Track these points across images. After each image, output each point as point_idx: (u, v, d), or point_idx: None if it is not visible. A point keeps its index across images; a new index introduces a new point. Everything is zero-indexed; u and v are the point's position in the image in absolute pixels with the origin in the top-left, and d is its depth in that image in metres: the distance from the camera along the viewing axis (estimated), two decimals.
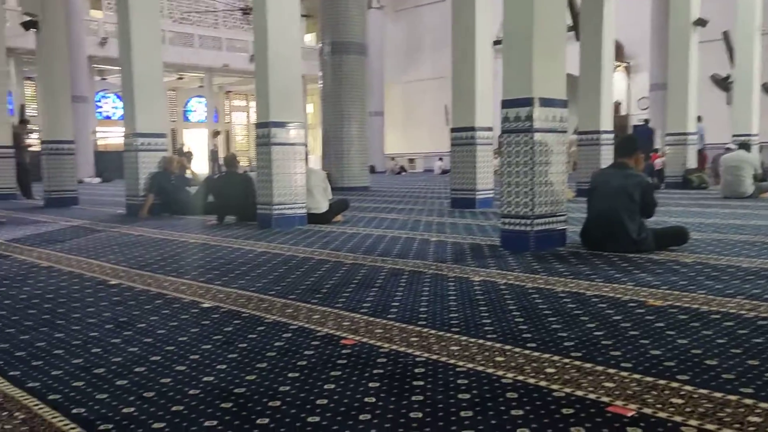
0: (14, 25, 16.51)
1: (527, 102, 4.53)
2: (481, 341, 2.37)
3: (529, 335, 2.43)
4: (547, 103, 4.58)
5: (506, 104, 4.68)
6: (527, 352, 2.23)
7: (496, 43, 9.91)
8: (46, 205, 9.63)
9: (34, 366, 2.14)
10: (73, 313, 2.89)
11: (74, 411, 1.75)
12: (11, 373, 2.06)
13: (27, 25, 9.70)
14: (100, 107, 28.66)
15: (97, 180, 20.08)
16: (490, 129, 8.10)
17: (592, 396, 1.81)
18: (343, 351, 2.28)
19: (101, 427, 1.64)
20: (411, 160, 26.94)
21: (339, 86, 12.38)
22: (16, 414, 1.73)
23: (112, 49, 19.81)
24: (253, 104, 32.29)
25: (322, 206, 6.58)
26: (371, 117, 17.22)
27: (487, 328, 2.55)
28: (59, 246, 5.18)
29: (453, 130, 8.19)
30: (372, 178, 14.28)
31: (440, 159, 22.73)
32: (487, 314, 2.76)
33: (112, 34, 21.39)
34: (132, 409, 1.76)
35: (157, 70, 8.02)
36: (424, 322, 2.64)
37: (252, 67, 22.87)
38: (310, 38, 29.42)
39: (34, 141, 13.17)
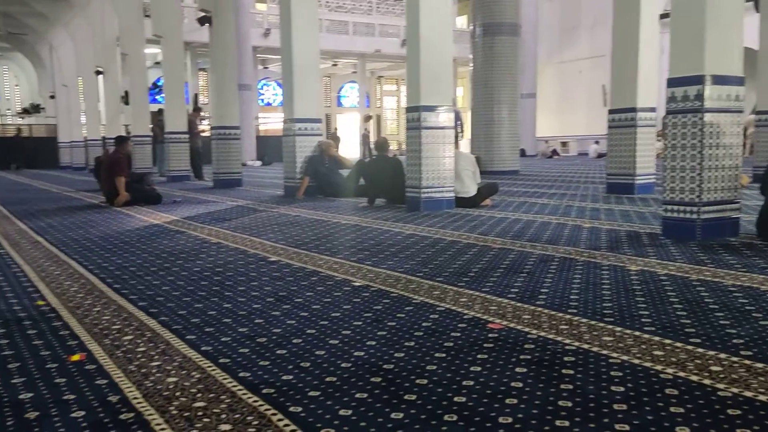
0: (190, 21, 18.10)
1: (697, 80, 4.17)
2: (637, 333, 2.26)
3: (692, 330, 2.27)
4: (720, 80, 4.18)
5: (673, 83, 4.34)
6: (690, 347, 2.09)
7: (663, 16, 9.20)
8: (214, 186, 10.51)
9: (207, 332, 2.37)
10: (239, 286, 3.14)
11: (241, 374, 1.92)
12: (188, 337, 2.30)
13: (202, 21, 10.58)
14: (262, 94, 30.61)
15: (258, 163, 21.49)
16: (653, 110, 7.57)
17: (762, 398, 1.66)
18: (490, 335, 2.27)
19: (264, 391, 1.78)
20: (564, 144, 25.90)
21: (490, 68, 12.18)
22: (193, 373, 1.93)
23: (274, 39, 21.05)
24: (403, 89, 32.78)
25: (471, 190, 6.55)
26: (523, 99, 16.74)
27: (644, 319, 2.42)
28: (226, 224, 5.65)
29: (611, 111, 7.76)
30: (522, 162, 13.95)
31: (596, 142, 21.63)
32: (644, 305, 2.62)
33: (275, 25, 22.70)
34: (290, 377, 1.89)
35: (314, 58, 8.41)
36: (575, 310, 2.56)
37: (403, 52, 23.10)
38: (461, 21, 29.18)
39: (205, 127, 14.36)
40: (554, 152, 23.38)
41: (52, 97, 24.86)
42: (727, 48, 4.26)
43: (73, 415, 1.63)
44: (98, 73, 17.54)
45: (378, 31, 26.55)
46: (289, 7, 8.04)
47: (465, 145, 13.19)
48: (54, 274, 3.50)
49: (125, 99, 15.77)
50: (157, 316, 2.59)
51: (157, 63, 22.17)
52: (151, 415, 1.62)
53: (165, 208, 7.19)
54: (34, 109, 29.96)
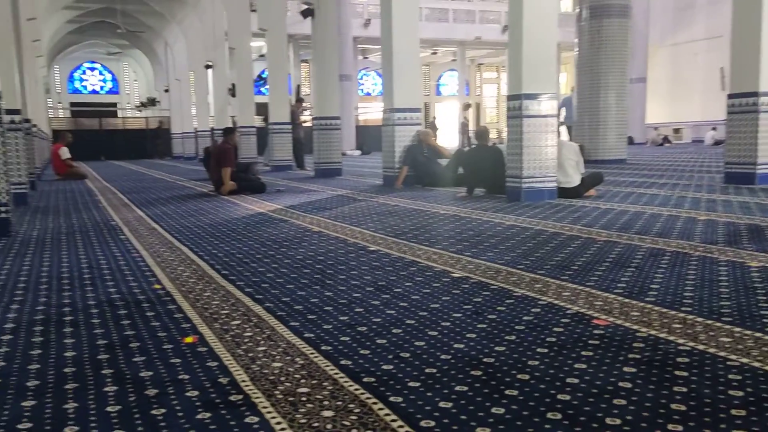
0: (293, 14, 18.59)
1: None
2: (758, 334, 2.11)
3: None
4: None
5: None
6: None
7: None
8: (315, 176, 10.78)
9: (309, 319, 2.43)
10: (340, 275, 3.20)
11: (342, 362, 1.96)
12: (291, 324, 2.37)
13: (305, 14, 10.84)
14: (362, 84, 31.01)
15: (357, 152, 21.83)
16: None
17: None
18: (595, 331, 2.19)
19: (365, 380, 1.81)
20: (676, 130, 24.47)
21: (597, 53, 11.67)
22: (297, 359, 1.99)
23: (374, 29, 21.24)
24: (503, 76, 32.16)
25: (574, 180, 6.33)
26: (632, 84, 15.91)
27: (765, 320, 2.25)
28: (327, 213, 5.78)
29: (731, 96, 7.23)
30: (630, 150, 13.33)
31: (713, 128, 20.27)
32: (766, 305, 2.43)
33: (375, 15, 22.90)
34: (390, 367, 1.91)
35: (414, 47, 8.40)
36: (689, 309, 2.42)
37: (504, 39, 22.65)
38: (566, 3, 28.16)
39: (307, 118, 14.73)
40: (665, 139, 22.17)
41: (167, 90, 26.43)
42: None
43: (188, 394, 1.73)
44: (208, 67, 18.43)
45: (478, 18, 26.15)
46: None
47: (566, 133, 12.74)
48: (168, 259, 3.72)
49: (232, 91, 16.47)
50: (263, 302, 2.69)
51: (262, 56, 23.01)
52: (258, 398, 1.69)
53: (269, 196, 7.46)
54: (150, 102, 31.97)
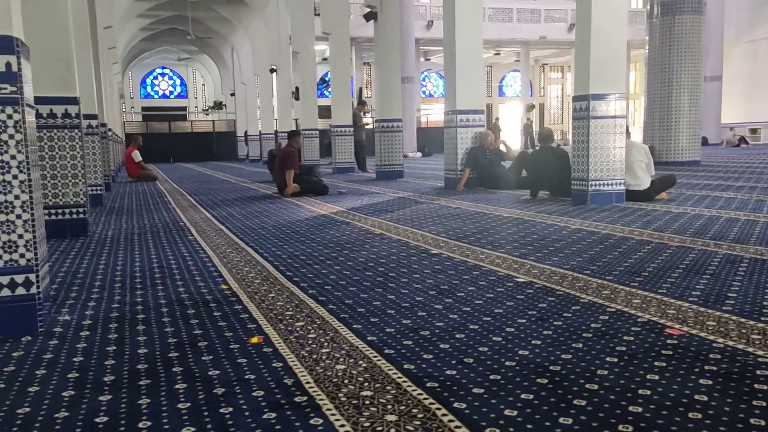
0: (356, 17, 18.78)
1: None
2: None
3: None
4: None
5: None
6: None
7: None
8: (377, 178, 10.82)
9: (372, 322, 2.44)
10: (402, 278, 3.20)
11: (405, 366, 1.95)
12: (354, 326, 2.38)
13: (368, 17, 10.91)
14: (424, 86, 30.98)
15: (419, 154, 21.80)
16: None
17: None
18: (668, 341, 2.11)
19: (428, 384, 1.80)
20: (754, 131, 23.33)
21: (668, 51, 11.25)
22: (360, 362, 1.99)
23: (437, 30, 21.19)
24: (569, 76, 31.50)
25: (644, 183, 6.13)
26: (706, 83, 15.27)
27: None
28: (388, 215, 5.78)
29: None
30: (704, 151, 12.80)
31: None
32: None
33: (437, 17, 22.84)
34: (454, 372, 1.89)
35: (477, 48, 8.32)
36: None
37: (570, 37, 22.17)
38: (636, 0, 27.33)
39: (369, 120, 14.82)
40: (742, 140, 21.18)
41: (233, 94, 27.15)
42: None
43: (254, 394, 1.76)
44: (272, 70, 18.83)
45: (543, 17, 25.69)
46: None
47: (637, 132, 12.32)
48: (234, 260, 3.81)
49: (296, 94, 16.75)
50: (326, 304, 2.71)
51: (325, 59, 23.33)
52: (322, 399, 1.70)
53: (331, 199, 7.54)
54: (217, 106, 32.93)
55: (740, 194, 6.38)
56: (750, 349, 2.00)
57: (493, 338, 2.19)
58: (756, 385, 1.72)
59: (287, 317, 2.52)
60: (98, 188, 7.38)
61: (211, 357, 2.08)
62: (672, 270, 3.14)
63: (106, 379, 1.92)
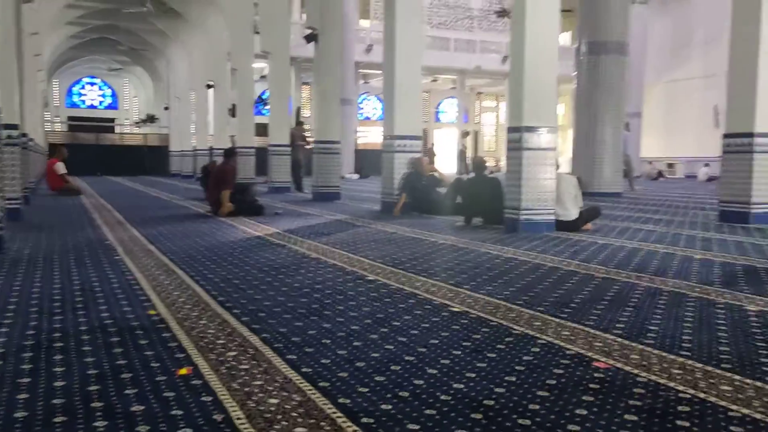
0: (296, 37, 18.75)
1: None
2: (759, 384, 2.09)
3: None
4: None
5: None
6: None
7: None
8: (313, 199, 10.77)
9: (307, 352, 2.40)
10: (338, 305, 3.17)
11: (340, 400, 1.92)
12: (289, 357, 2.34)
13: (308, 38, 10.93)
14: (362, 108, 31.18)
15: (356, 176, 21.85)
16: None
17: None
18: (596, 374, 2.17)
19: (363, 420, 1.78)
20: (670, 165, 24.64)
21: (594, 87, 11.79)
22: (294, 396, 1.95)
23: (376, 55, 21.40)
24: (502, 105, 32.43)
25: (572, 213, 6.35)
26: (628, 119, 16.07)
27: (766, 368, 2.23)
28: (325, 239, 5.75)
29: (726, 135, 7.29)
30: (625, 183, 13.39)
31: (706, 165, 20.45)
32: (766, 352, 2.42)
33: (377, 41, 23.11)
34: (389, 407, 1.88)
35: (416, 75, 8.46)
36: (688, 353, 2.40)
37: (504, 68, 22.78)
38: (564, 37, 28.54)
39: (307, 140, 14.76)
40: (660, 174, 22.35)
41: (166, 108, 26.50)
42: None
43: None
44: (209, 86, 18.52)
45: (479, 48, 26.43)
46: (393, 25, 8.15)
47: (565, 163, 12.77)
48: (164, 283, 3.68)
49: (232, 111, 16.53)
50: (260, 332, 2.65)
51: (263, 77, 23.13)
52: None
53: (267, 219, 7.44)
54: (149, 119, 32.03)
55: (659, 227, 6.70)
56: (671, 384, 2.08)
57: (429, 371, 2.19)
58: (678, 422, 1.79)
59: (218, 346, 2.45)
60: (16, 202, 7.01)
61: (135, 390, 1.99)
62: (598, 301, 3.25)
63: (17, 415, 1.80)
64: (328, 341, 2.54)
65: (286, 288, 3.57)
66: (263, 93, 26.13)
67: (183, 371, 2.15)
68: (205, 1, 16.66)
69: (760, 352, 2.43)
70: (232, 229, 6.56)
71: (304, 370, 2.19)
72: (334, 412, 1.82)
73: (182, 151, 23.32)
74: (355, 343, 2.51)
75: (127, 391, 1.97)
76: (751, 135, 6.95)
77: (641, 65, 22.50)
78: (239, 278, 3.85)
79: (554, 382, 2.10)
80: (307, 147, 13.30)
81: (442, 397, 1.95)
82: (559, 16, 6.53)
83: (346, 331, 2.68)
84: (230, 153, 8.50)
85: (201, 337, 2.57)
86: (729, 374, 2.18)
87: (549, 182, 6.22)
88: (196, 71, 20.21)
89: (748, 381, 2.11)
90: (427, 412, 1.84)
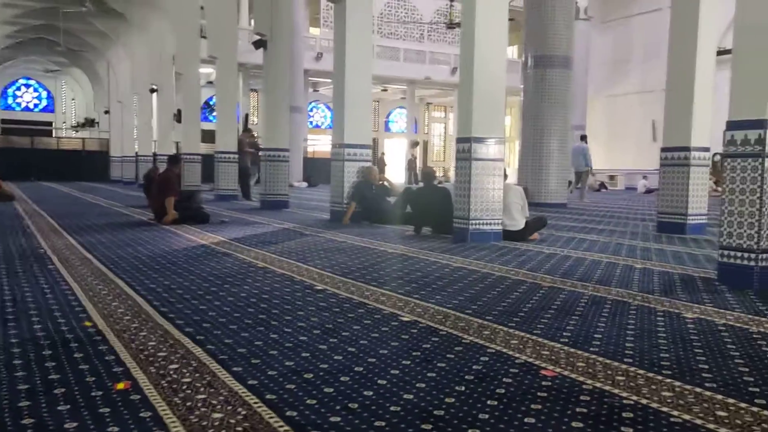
0: (245, 43, 18.54)
1: (759, 124, 4.04)
2: (698, 389, 2.14)
3: (756, 389, 2.15)
4: None
5: (733, 125, 4.21)
6: (755, 409, 1.97)
7: (721, 53, 8.98)
8: (261, 207, 10.61)
9: (254, 364, 2.33)
10: (286, 315, 3.11)
11: (288, 413, 1.87)
12: (234, 369, 2.27)
13: (257, 45, 10.80)
14: (312, 116, 31.07)
15: (305, 185, 21.72)
16: (706, 149, 7.36)
17: None
18: (543, 383, 2.18)
19: None
20: (612, 177, 25.46)
21: (540, 100, 12.08)
22: (239, 410, 1.89)
23: (326, 63, 21.38)
24: (451, 116, 32.86)
25: (519, 223, 6.45)
26: (572, 131, 16.53)
27: (705, 374, 2.30)
28: (272, 247, 5.66)
29: (664, 149, 7.56)
30: (570, 194, 13.74)
31: (645, 177, 21.20)
32: (703, 358, 2.49)
33: (327, 49, 23.09)
34: (338, 419, 1.84)
35: (366, 84, 8.46)
36: (631, 360, 2.45)
37: (453, 80, 23.14)
38: (511, 51, 29.16)
39: (259, 147, 14.58)
40: (602, 185, 23.03)
41: (107, 112, 25.72)
42: None
43: None
44: (153, 90, 18.10)
45: (428, 59, 26.72)
46: (343, 34, 8.14)
47: (512, 174, 13.03)
48: (102, 293, 3.54)
49: (177, 117, 16.20)
50: (204, 344, 2.57)
51: (210, 82, 22.77)
52: None
53: (213, 228, 7.27)
54: (89, 123, 31.03)
55: (602, 237, 6.87)
56: (615, 391, 2.11)
57: (379, 381, 2.17)
58: (622, 428, 1.81)
59: (160, 359, 2.35)
60: None
61: (68, 407, 1.88)
62: (545, 310, 3.29)
63: None
64: (276, 352, 2.48)
65: (233, 298, 3.48)
66: (210, 99, 25.72)
67: (121, 386, 2.06)
68: (149, 2, 16.30)
69: (698, 358, 2.50)
70: (176, 237, 6.39)
71: (250, 382, 2.13)
72: (282, 426, 1.77)
73: (124, 156, 22.68)
74: (303, 354, 2.46)
75: (60, 407, 1.87)
76: (687, 149, 7.23)
77: (584, 80, 23.23)
78: (183, 288, 3.73)
79: (503, 391, 2.10)
80: (258, 154, 13.11)
81: (392, 408, 1.92)
82: (507, 29, 6.65)
83: (294, 342, 2.63)
84: (174, 159, 8.30)
85: (141, 350, 2.47)
86: (669, 380, 2.23)
87: (497, 192, 6.30)
88: (138, 75, 19.72)
89: (687, 387, 2.16)
90: (377, 423, 1.81)
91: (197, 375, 2.18)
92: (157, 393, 2.00)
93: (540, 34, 12.07)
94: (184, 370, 2.23)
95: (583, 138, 15.30)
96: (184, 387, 2.06)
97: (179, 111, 15.82)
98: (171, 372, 2.21)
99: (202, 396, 1.98)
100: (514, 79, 16.25)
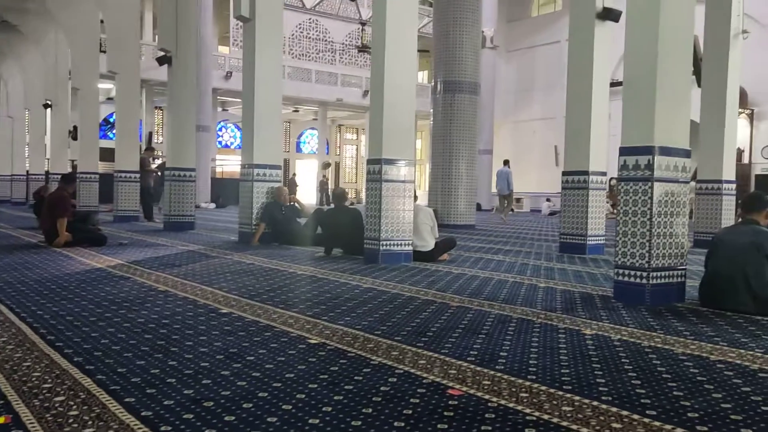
0: (148, 59, 17.97)
1: (648, 150, 4.31)
2: (595, 403, 2.21)
3: (647, 401, 2.25)
4: (669, 152, 4.35)
5: (625, 151, 4.48)
6: (647, 420, 2.06)
7: (614, 84, 9.57)
8: (165, 229, 10.20)
9: (149, 394, 2.20)
10: (187, 341, 2.97)
11: None
12: (127, 399, 2.13)
13: (161, 61, 10.45)
14: (221, 136, 30.42)
15: (212, 205, 21.14)
16: (603, 174, 7.79)
17: None
18: (450, 402, 2.19)
19: None
20: (518, 200, 26.45)
21: (449, 124, 12.41)
22: None
23: (236, 82, 21.02)
24: (363, 138, 33.13)
25: (429, 244, 6.53)
26: (480, 155, 17.10)
27: (601, 388, 2.38)
28: (175, 270, 5.44)
29: (565, 173, 7.94)
30: (478, 216, 14.11)
31: (548, 200, 22.18)
32: (600, 373, 2.59)
33: (236, 68, 22.74)
34: None
35: (276, 104, 8.37)
36: (534, 377, 2.51)
37: (364, 102, 23.35)
38: (421, 75, 29.87)
39: (162, 164, 14.07)
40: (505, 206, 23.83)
41: None
42: (676, 121, 4.46)
43: None
44: (47, 106, 17.15)
45: (340, 81, 26.88)
46: (253, 53, 8.03)
47: (422, 196, 13.28)
48: None
49: (73, 134, 15.43)
50: (94, 374, 2.40)
51: (110, 98, 21.87)
52: None
53: (110, 250, 6.91)
54: None
55: (508, 258, 7.08)
56: (519, 408, 2.15)
57: (283, 406, 2.09)
58: None
59: (44, 391, 2.18)
60: None
61: None
62: (453, 330, 3.32)
63: None
64: (173, 380, 2.35)
65: (129, 324, 3.29)
66: (110, 115, 24.66)
67: (1, 420, 1.88)
68: (44, 14, 15.46)
69: (596, 373, 2.59)
70: (69, 260, 6.01)
71: (144, 413, 2.00)
72: None
73: (12, 175, 21.29)
74: (204, 381, 2.35)
75: None
76: (586, 173, 7.62)
77: (491, 105, 24.12)
78: (74, 314, 3.50)
79: (410, 411, 2.08)
80: (158, 173, 12.65)
81: None
82: (416, 54, 6.79)
83: (194, 369, 2.50)
84: (68, 178, 7.85)
85: (23, 382, 2.27)
86: (569, 395, 2.29)
87: (407, 213, 6.36)
88: (31, 89, 18.65)
89: (586, 401, 2.23)
90: None
91: (85, 407, 2.03)
92: (41, 427, 1.85)
93: (448, 60, 12.43)
94: (71, 403, 2.07)
95: (506, 162, 15.84)
96: (70, 421, 1.91)
97: (75, 128, 15.06)
98: (56, 404, 2.04)
99: (90, 430, 1.84)
100: (425, 103, 16.63)
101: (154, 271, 5.36)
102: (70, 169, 16.10)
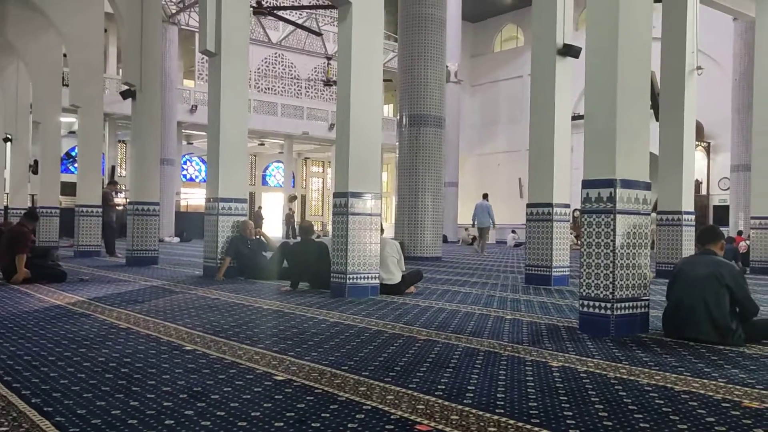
0: (111, 92, 17.80)
1: (610, 183, 4.42)
2: None
3: None
4: (630, 184, 4.46)
5: (587, 184, 4.58)
6: None
7: (576, 118, 9.83)
8: (127, 264, 10.00)
9: None
10: (149, 379, 2.90)
11: None
12: None
13: (125, 95, 10.38)
14: (185, 169, 30.15)
15: (177, 239, 20.84)
16: (567, 206, 7.94)
17: None
18: None
19: None
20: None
21: (415, 157, 12.55)
22: None
23: (201, 116, 20.97)
24: (329, 171, 33.19)
25: (396, 277, 6.53)
26: (446, 188, 17.30)
27: (569, 421, 2.40)
28: (138, 307, 5.32)
29: (529, 205, 8.07)
30: (444, 248, 14.19)
31: (513, 231, 22.44)
32: (567, 405, 2.60)
33: (201, 102, 22.69)
34: None
35: (242, 138, 8.35)
36: (502, 411, 2.51)
37: (331, 135, 23.43)
38: (387, 109, 30.20)
39: (121, 201, 13.85)
40: (474, 239, 24.04)
41: None
42: (636, 154, 4.59)
43: None
44: (6, 140, 16.81)
45: (306, 114, 27.00)
46: (218, 86, 8.03)
47: (389, 228, 13.33)
48: None
49: (34, 168, 15.12)
50: (53, 415, 2.32)
51: (72, 132, 21.56)
52: None
53: (70, 287, 6.73)
54: None
55: (475, 290, 7.12)
56: None
57: None
58: None
59: None
60: None
61: None
62: (421, 363, 3.31)
63: None
64: (135, 422, 2.28)
65: (89, 363, 3.20)
66: (72, 149, 24.27)
67: None
68: (4, 46, 15.24)
69: (563, 405, 2.60)
70: (27, 297, 5.84)
71: None
72: None
73: None
74: (167, 422, 2.28)
75: None
76: (550, 205, 7.75)
77: (456, 139, 24.49)
78: (32, 354, 3.38)
79: None
80: (119, 207, 12.43)
81: None
82: (382, 88, 6.88)
83: (156, 409, 2.44)
84: (31, 216, 7.68)
85: None
86: (537, 429, 2.29)
87: (374, 246, 6.37)
88: None
89: None
90: None
91: None
92: None
93: (413, 94, 12.63)
94: None
95: (485, 196, 16.02)
96: None
97: (36, 162, 14.77)
98: None
99: None
100: (390, 137, 16.79)
101: (116, 307, 5.23)
102: (30, 204, 15.72)
